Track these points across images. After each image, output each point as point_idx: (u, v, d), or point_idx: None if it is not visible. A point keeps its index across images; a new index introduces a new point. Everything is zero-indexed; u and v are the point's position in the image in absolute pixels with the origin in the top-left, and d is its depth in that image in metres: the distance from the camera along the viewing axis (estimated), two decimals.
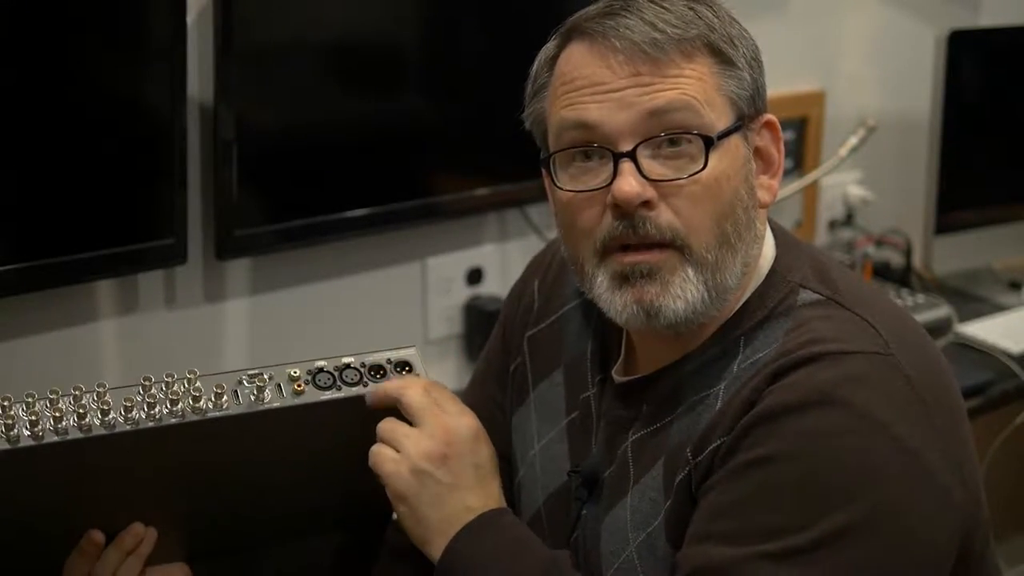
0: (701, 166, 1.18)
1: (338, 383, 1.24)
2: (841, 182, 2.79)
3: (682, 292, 1.19)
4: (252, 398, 1.20)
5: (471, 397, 1.52)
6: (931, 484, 1.15)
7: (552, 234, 2.40)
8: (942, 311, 2.52)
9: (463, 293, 2.33)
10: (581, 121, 1.20)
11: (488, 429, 1.46)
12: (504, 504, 1.29)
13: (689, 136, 1.18)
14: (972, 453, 1.24)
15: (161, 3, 1.77)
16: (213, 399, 1.19)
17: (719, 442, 1.17)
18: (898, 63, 2.86)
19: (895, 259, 2.79)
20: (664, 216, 1.19)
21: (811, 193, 2.73)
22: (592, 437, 1.33)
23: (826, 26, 2.76)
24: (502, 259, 2.37)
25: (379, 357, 1.29)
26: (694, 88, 1.19)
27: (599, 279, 1.22)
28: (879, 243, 2.80)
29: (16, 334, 1.87)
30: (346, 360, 1.26)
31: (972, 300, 2.72)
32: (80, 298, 1.91)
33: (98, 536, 1.25)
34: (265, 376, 1.21)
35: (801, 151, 2.71)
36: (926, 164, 2.72)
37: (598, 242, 1.21)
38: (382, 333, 2.25)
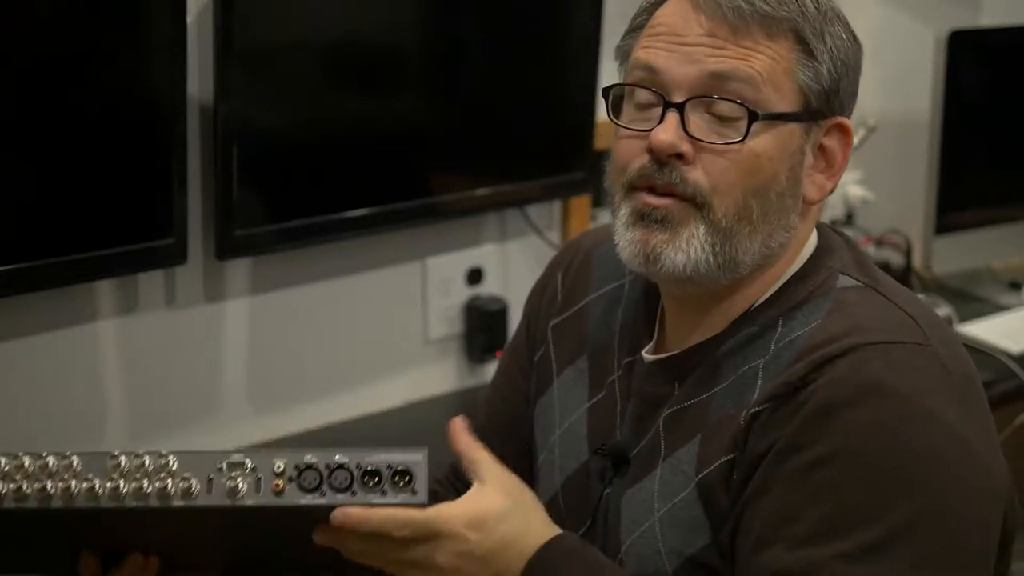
0: (740, 138, 1.20)
1: (323, 486, 1.12)
2: (841, 182, 2.76)
3: (686, 246, 1.21)
4: (224, 490, 1.12)
5: (497, 389, 1.53)
6: (983, 469, 1.17)
7: (551, 234, 2.41)
8: (942, 311, 2.51)
9: (463, 293, 2.33)
10: (649, 64, 1.23)
11: (513, 421, 1.48)
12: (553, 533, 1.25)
13: (737, 106, 1.20)
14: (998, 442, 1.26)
15: (161, 3, 1.78)
16: (181, 487, 1.11)
17: (775, 436, 1.17)
18: (898, 63, 2.86)
19: (895, 259, 2.78)
20: (694, 173, 1.21)
21: None
22: (616, 419, 1.34)
23: None
24: (502, 259, 2.37)
25: (379, 460, 1.14)
26: (762, 64, 1.21)
27: (622, 211, 1.25)
28: (879, 243, 2.80)
29: (16, 334, 1.87)
30: (339, 459, 1.13)
31: (972, 300, 2.72)
32: (80, 298, 1.91)
33: (93, 564, 1.26)
34: (247, 464, 1.12)
35: None
36: (926, 164, 2.71)
37: (628, 177, 1.24)
38: (382, 333, 2.25)
